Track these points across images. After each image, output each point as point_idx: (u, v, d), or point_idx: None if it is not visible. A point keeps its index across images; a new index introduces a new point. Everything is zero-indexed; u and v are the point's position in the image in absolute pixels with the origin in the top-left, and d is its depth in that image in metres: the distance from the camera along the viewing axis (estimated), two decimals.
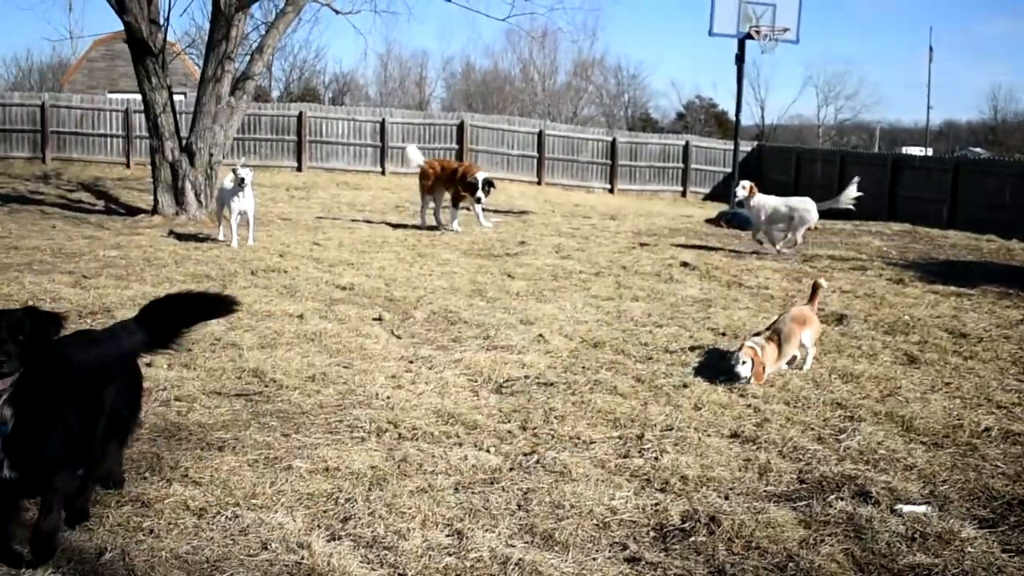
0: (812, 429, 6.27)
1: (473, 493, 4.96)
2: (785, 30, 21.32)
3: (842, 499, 5.03)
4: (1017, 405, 7.02)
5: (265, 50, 17.54)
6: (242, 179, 13.49)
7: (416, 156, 17.59)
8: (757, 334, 7.64)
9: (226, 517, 4.56)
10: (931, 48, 56.83)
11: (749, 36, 21.18)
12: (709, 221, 20.43)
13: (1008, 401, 7.10)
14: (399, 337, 8.44)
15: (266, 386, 6.86)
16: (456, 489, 5.01)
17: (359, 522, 4.57)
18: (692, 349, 8.24)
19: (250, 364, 7.29)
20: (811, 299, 8.17)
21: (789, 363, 7.68)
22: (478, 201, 16.10)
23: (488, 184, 16.28)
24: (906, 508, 4.95)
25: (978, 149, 74.66)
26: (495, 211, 20.50)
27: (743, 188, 14.76)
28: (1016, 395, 7.28)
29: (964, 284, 12.06)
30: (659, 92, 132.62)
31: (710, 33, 21.26)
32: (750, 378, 7.08)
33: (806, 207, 14.56)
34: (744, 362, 7.10)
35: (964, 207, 25.30)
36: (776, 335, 7.47)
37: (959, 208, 25.51)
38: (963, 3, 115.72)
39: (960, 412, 6.75)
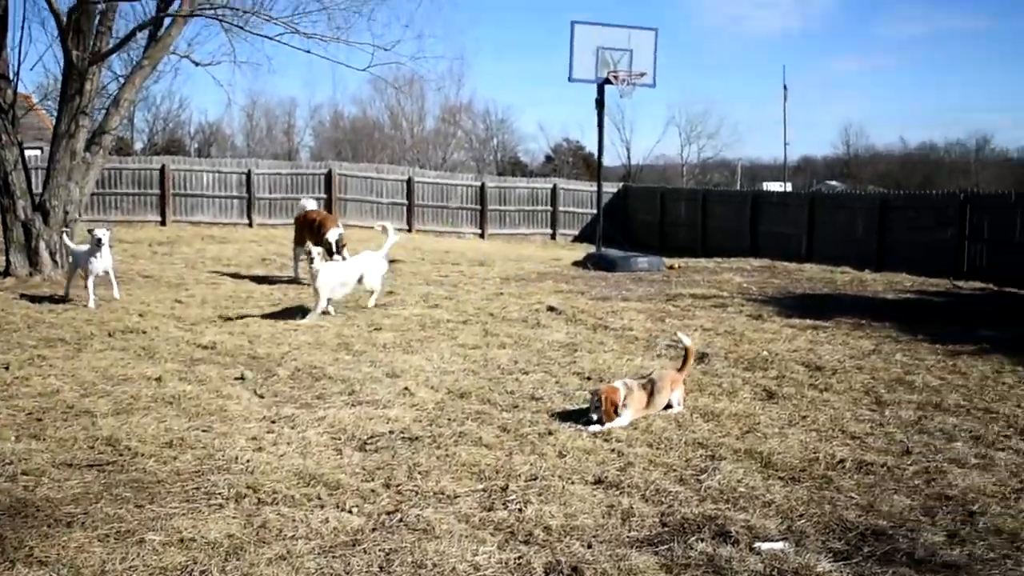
0: (674, 470, 6.36)
1: (334, 557, 4.86)
2: (642, 74, 21.81)
3: (703, 540, 5.09)
4: (870, 435, 7.26)
5: (122, 104, 17.13)
6: (99, 240, 13.12)
7: (310, 205, 17.65)
8: (640, 378, 7.80)
9: None
10: (785, 86, 59.03)
11: (608, 81, 21.61)
12: (577, 263, 20.68)
13: (861, 431, 7.34)
14: (261, 396, 8.27)
15: (120, 455, 6.62)
16: (317, 554, 4.89)
17: None
18: (558, 395, 8.30)
19: (104, 432, 7.04)
20: (683, 366, 8.17)
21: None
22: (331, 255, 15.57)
23: (340, 244, 15.79)
24: (764, 546, 5.04)
25: (834, 183, 77.60)
26: None
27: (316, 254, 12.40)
28: (869, 425, 7.53)
29: (820, 317, 12.48)
30: (528, 135, 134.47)
31: (570, 79, 21.62)
32: (601, 420, 7.18)
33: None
34: (597, 406, 7.24)
35: (820, 241, 26.23)
36: (651, 384, 7.62)
37: (815, 242, 26.43)
38: (815, 42, 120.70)
39: (816, 445, 6.95)
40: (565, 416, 7.54)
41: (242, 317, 12.32)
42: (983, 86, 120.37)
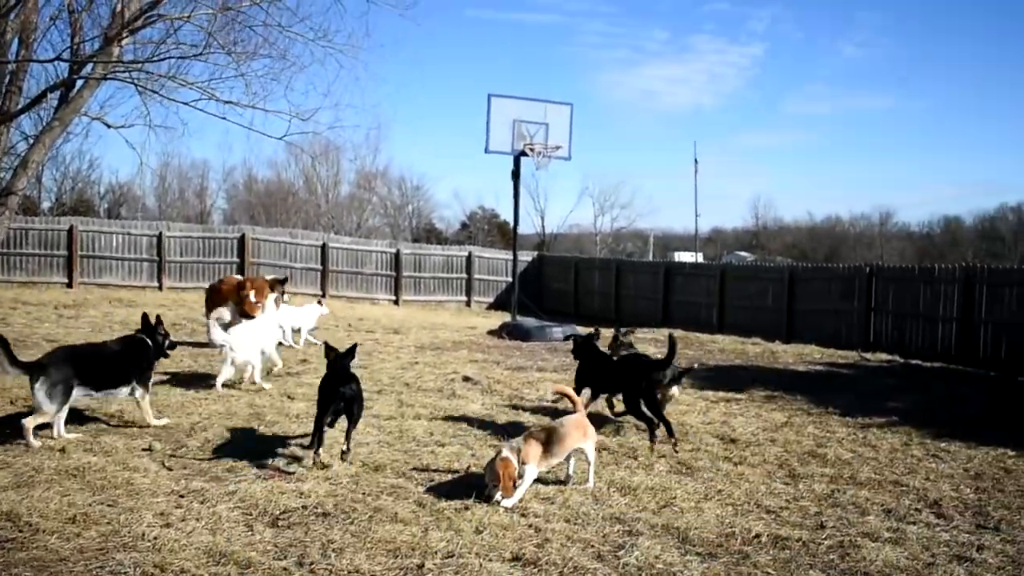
0: (592, 546, 6.31)
1: None
2: (558, 147, 22.13)
3: None
4: (784, 509, 7.32)
5: (30, 165, 16.73)
6: None
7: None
8: (530, 434, 7.62)
9: None
10: (696, 160, 60.34)
11: (524, 153, 21.87)
12: (491, 332, 20.67)
13: (776, 505, 7.40)
14: (170, 469, 8.02)
15: (20, 531, 6.34)
16: None
17: None
18: (475, 468, 8.21)
19: (3, 507, 6.74)
20: (583, 408, 8.15)
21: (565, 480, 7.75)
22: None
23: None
24: None
25: (744, 253, 79.35)
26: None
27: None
28: (783, 499, 7.60)
29: (733, 389, 12.63)
30: (443, 203, 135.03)
31: (486, 150, 21.84)
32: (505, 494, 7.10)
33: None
34: (494, 484, 7.16)
35: (732, 311, 26.65)
36: (545, 433, 7.54)
37: (726, 312, 26.84)
38: (725, 118, 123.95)
39: (732, 519, 6.97)
40: (482, 490, 7.45)
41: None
42: (886, 163, 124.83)
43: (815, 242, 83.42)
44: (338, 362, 8.58)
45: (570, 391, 8.26)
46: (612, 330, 11.51)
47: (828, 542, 6.53)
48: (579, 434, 7.65)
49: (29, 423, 8.73)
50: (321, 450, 8.19)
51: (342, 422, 8.34)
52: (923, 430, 10.35)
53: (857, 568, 6.03)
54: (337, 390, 8.20)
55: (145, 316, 10.11)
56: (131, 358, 9.73)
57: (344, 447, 8.35)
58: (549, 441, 7.47)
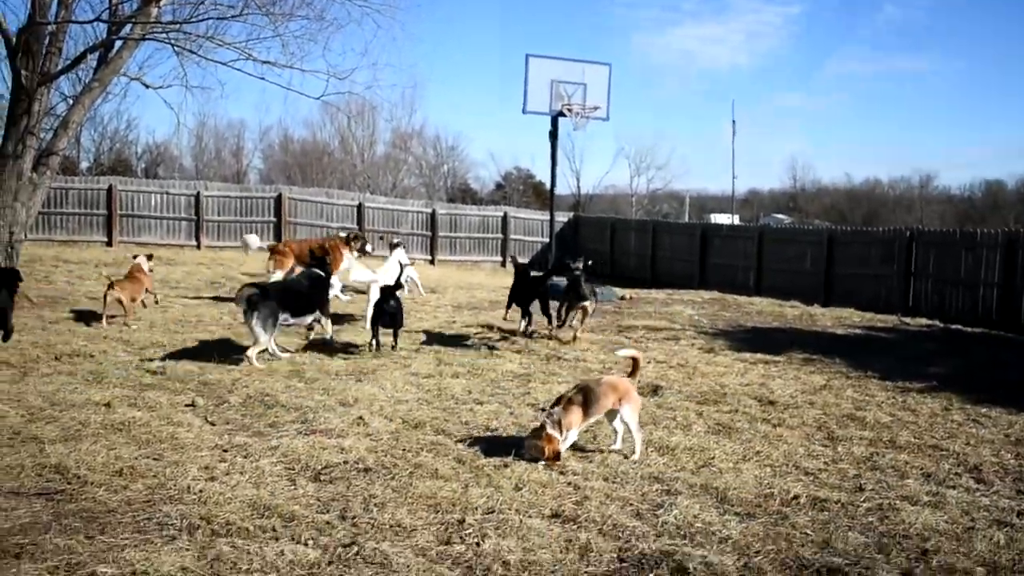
0: (631, 504, 6.35)
1: None
2: (596, 108, 22.00)
3: None
4: (823, 471, 7.32)
5: (70, 126, 16.87)
6: None
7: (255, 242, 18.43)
8: (556, 402, 7.60)
9: None
10: (734, 121, 59.69)
11: (562, 114, 21.76)
12: None
13: (814, 467, 7.39)
14: (213, 424, 8.14)
15: (69, 483, 6.47)
16: None
17: None
18: (513, 426, 8.27)
19: (52, 459, 6.89)
20: (632, 373, 8.01)
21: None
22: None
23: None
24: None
25: (781, 216, 78.65)
26: None
27: None
28: (822, 461, 7.59)
29: (771, 351, 12.58)
30: (478, 163, 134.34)
31: (524, 111, 21.74)
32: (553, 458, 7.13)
33: None
34: (532, 457, 7.16)
35: (769, 273, 26.48)
36: (582, 393, 7.51)
37: (764, 275, 26.68)
38: (764, 78, 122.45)
39: (771, 480, 6.98)
40: (520, 448, 7.49)
41: (192, 342, 12.15)
42: (927, 125, 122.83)
43: (853, 205, 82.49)
44: (388, 290, 11.86)
45: (640, 358, 8.11)
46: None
47: (867, 504, 6.53)
48: (615, 396, 7.57)
49: (252, 352, 10.71)
50: (361, 405, 8.36)
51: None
52: (963, 395, 10.28)
53: (896, 531, 6.02)
54: (385, 305, 11.66)
55: (323, 257, 12.86)
56: (316, 291, 11.95)
57: (393, 344, 11.85)
58: (587, 402, 7.45)
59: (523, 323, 13.74)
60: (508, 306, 14.25)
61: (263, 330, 10.73)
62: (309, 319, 11.89)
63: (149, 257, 15.50)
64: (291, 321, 11.49)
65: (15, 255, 15.64)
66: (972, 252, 20.21)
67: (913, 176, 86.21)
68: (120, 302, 13.52)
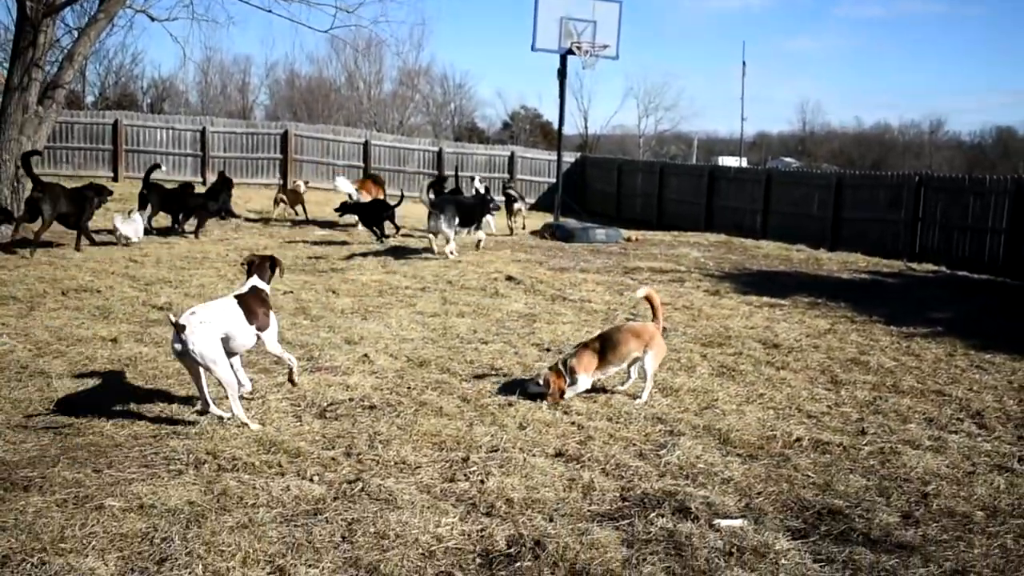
0: (634, 445, 6.39)
1: (296, 526, 4.83)
2: (605, 46, 21.73)
3: (663, 516, 5.13)
4: (825, 414, 7.35)
5: (76, 58, 16.76)
6: None
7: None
8: (583, 344, 7.61)
9: (32, 564, 4.29)
10: (744, 63, 59.13)
11: (571, 52, 21.52)
12: (534, 233, 20.65)
13: (817, 411, 7.42)
14: None
15: (76, 417, 6.53)
16: (278, 523, 4.85)
17: (176, 563, 4.37)
18: (517, 366, 8.30)
19: (59, 394, 6.95)
20: (654, 318, 7.80)
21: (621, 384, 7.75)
22: None
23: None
24: (723, 523, 5.08)
25: (789, 159, 78.17)
26: (319, 223, 20.21)
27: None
28: (825, 404, 7.62)
29: (776, 295, 12.58)
30: (485, 101, 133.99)
31: (533, 48, 21.49)
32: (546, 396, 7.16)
33: None
34: (539, 384, 7.21)
35: (776, 217, 26.34)
36: (599, 341, 7.52)
37: (771, 218, 26.53)
38: (774, 20, 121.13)
39: (773, 423, 7.01)
40: (525, 387, 7.52)
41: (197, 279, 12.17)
42: (938, 70, 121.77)
43: (863, 149, 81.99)
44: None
45: (655, 298, 7.86)
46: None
47: (869, 448, 6.56)
48: (638, 343, 7.47)
49: (441, 246, 15.24)
50: (367, 343, 8.42)
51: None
52: (968, 341, 10.28)
53: (897, 474, 6.06)
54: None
55: (486, 189, 18.79)
56: (480, 208, 16.39)
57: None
58: (604, 349, 7.42)
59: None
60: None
61: (448, 228, 15.06)
62: (471, 229, 16.11)
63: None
64: (459, 230, 15.53)
65: (21, 189, 15.61)
66: (980, 198, 20.08)
67: (924, 121, 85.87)
68: None
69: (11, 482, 5.26)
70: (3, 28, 29.50)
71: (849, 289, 13.91)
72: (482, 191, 19.35)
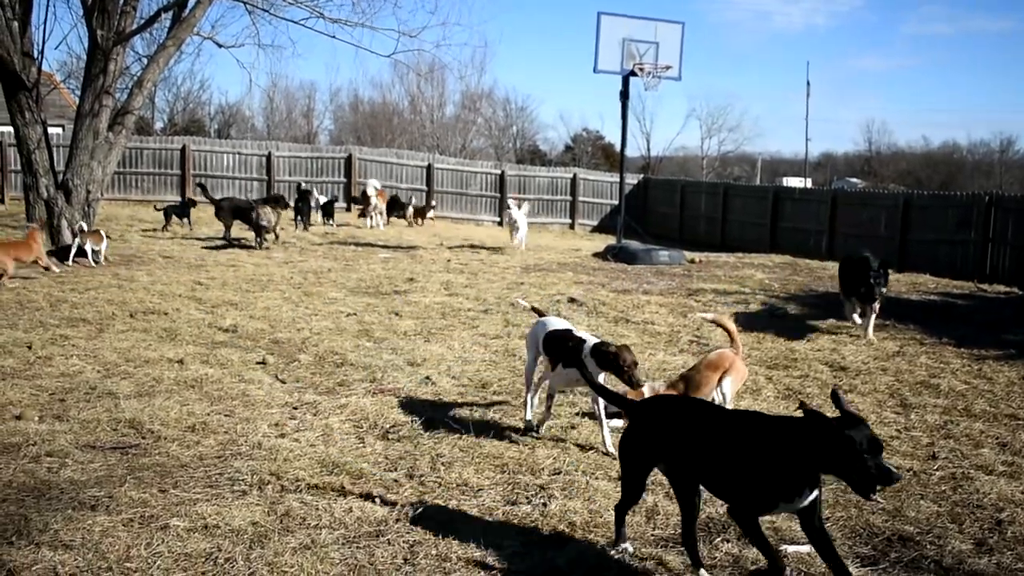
0: None
1: (358, 548, 4.83)
2: (668, 67, 21.68)
3: (728, 541, 5.05)
4: (895, 438, 7.19)
5: (145, 84, 17.14)
6: None
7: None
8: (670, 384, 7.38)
9: None
10: (808, 83, 58.79)
11: (633, 73, 21.48)
12: (596, 255, 20.59)
13: (886, 435, 7.26)
14: (283, 382, 8.26)
15: (143, 438, 6.62)
16: (341, 544, 4.87)
17: None
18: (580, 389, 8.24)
19: (126, 414, 7.04)
20: (731, 343, 7.57)
21: None
22: None
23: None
24: (791, 548, 4.99)
25: (855, 179, 77.19)
26: (383, 246, 20.36)
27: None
28: (894, 428, 7.46)
29: (843, 316, 12.36)
30: (547, 124, 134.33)
31: (595, 70, 21.49)
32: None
33: None
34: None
35: (842, 238, 26.02)
36: (683, 382, 7.35)
37: (837, 239, 26.22)
38: (839, 39, 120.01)
39: None
40: (587, 410, 7.48)
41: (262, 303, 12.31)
42: (1008, 87, 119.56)
43: (931, 169, 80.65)
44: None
45: (730, 324, 7.72)
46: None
47: (940, 473, 6.41)
48: (716, 374, 7.23)
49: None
50: (429, 365, 8.43)
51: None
52: None
53: (970, 500, 5.91)
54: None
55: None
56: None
57: None
58: (687, 391, 7.25)
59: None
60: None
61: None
62: None
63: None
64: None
65: (92, 213, 15.96)
66: None
67: (993, 140, 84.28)
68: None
69: (79, 501, 5.33)
70: (75, 56, 30.19)
71: (918, 310, 13.64)
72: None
